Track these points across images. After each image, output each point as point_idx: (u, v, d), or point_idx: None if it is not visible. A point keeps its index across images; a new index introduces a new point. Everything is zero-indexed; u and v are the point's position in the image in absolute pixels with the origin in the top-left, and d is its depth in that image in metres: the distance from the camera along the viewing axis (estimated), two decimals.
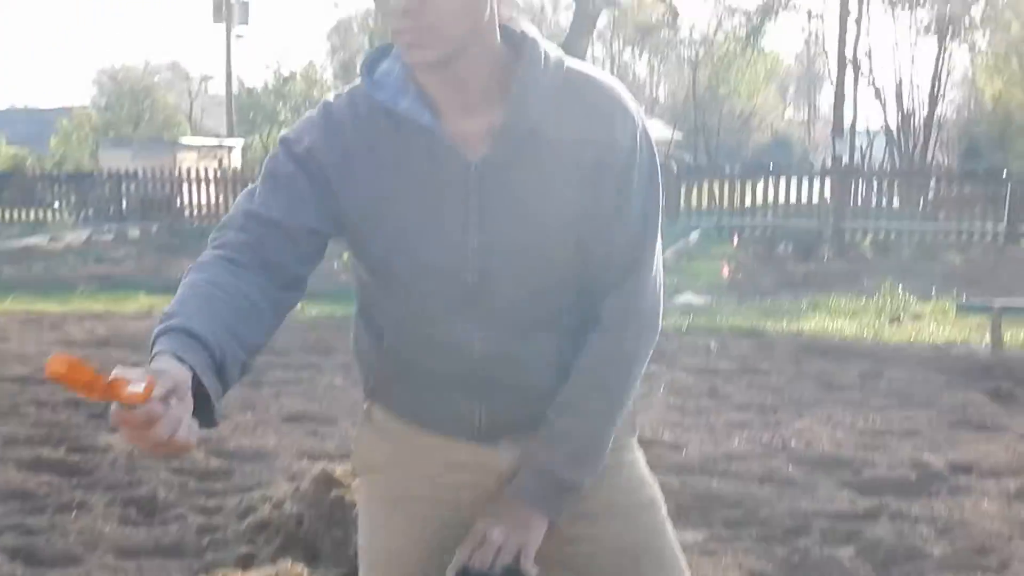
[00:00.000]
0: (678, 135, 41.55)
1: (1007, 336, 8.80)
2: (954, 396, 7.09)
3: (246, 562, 4.22)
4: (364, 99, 1.82)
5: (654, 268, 1.89)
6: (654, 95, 58.88)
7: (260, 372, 7.84)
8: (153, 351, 1.49)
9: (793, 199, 20.22)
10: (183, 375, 1.43)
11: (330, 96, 1.89)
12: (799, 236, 17.74)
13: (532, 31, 1.81)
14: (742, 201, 20.43)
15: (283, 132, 1.89)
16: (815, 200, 20.15)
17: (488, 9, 1.73)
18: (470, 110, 1.78)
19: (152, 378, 1.35)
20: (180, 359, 1.47)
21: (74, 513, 4.77)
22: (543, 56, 1.78)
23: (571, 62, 1.83)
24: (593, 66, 1.89)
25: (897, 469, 5.43)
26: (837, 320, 10.36)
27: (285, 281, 1.78)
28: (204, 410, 1.49)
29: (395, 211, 1.82)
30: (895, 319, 10.43)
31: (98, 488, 5.12)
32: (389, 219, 1.82)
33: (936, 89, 41.24)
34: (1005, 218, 18.99)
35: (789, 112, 64.75)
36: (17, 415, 6.51)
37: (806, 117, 63.77)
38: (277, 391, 7.31)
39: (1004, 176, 20.27)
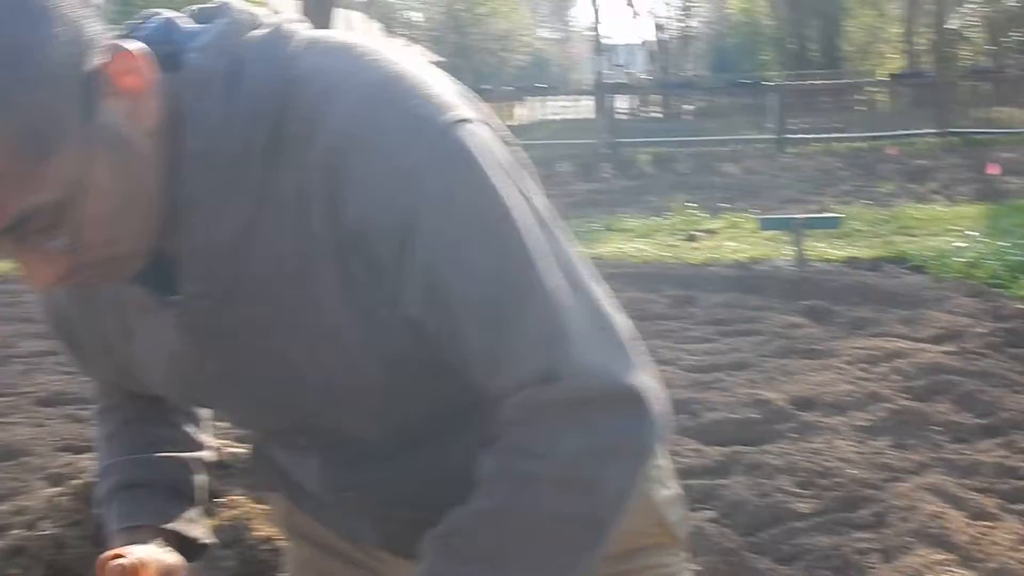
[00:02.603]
0: (438, 59, 40.88)
1: (808, 250, 8.54)
2: (773, 319, 6.73)
3: None
4: None
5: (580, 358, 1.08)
6: (407, 19, 57.93)
7: (8, 345, 6.86)
8: (112, 521, 1.35)
9: (565, 117, 19.99)
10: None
11: None
12: (576, 155, 17.41)
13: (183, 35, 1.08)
14: (514, 121, 20.06)
15: None
16: (585, 118, 19.98)
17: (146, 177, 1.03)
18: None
19: None
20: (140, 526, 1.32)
21: None
22: (217, 99, 1.04)
23: (310, 61, 1.07)
24: (357, 52, 1.08)
25: (738, 410, 4.95)
26: (634, 242, 9.93)
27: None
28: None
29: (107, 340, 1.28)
30: (692, 238, 10.09)
31: None
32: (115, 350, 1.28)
33: (687, 3, 42.12)
34: (776, 127, 19.22)
35: (542, 31, 65.08)
36: None
37: (560, 36, 64.29)
38: (29, 367, 6.33)
39: (769, 86, 20.61)
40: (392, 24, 41.84)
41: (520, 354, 1.06)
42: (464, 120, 1.05)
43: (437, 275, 1.03)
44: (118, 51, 0.97)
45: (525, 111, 20.38)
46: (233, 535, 3.41)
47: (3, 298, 8.53)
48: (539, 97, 20.13)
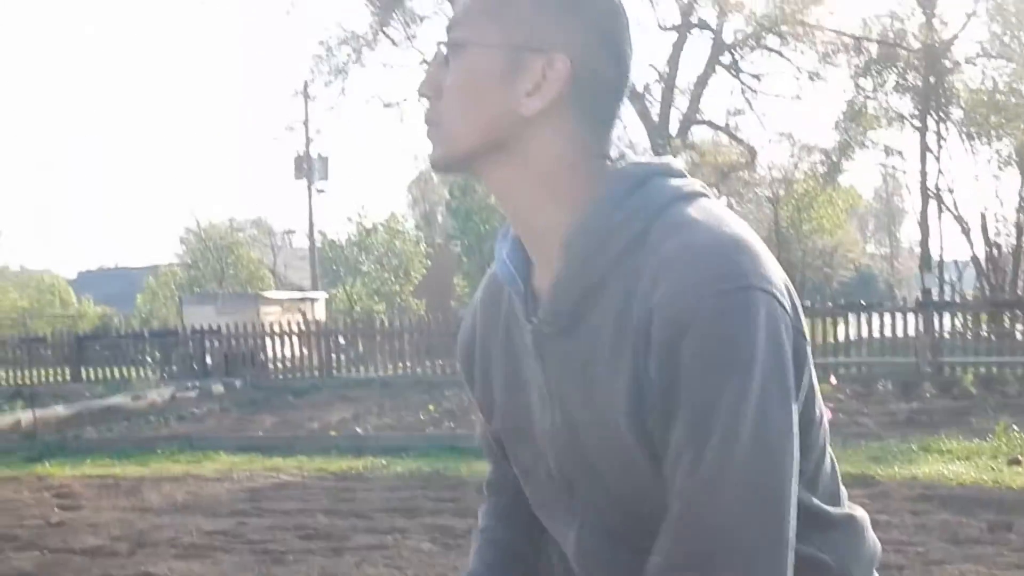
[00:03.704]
0: None
1: None
2: None
3: None
4: None
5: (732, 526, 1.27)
6: None
7: (341, 538, 7.42)
8: None
9: (887, 335, 19.62)
10: None
11: None
12: (897, 373, 17.09)
13: (634, 160, 1.45)
14: (835, 338, 19.86)
15: None
16: (908, 335, 19.53)
17: (503, 108, 1.40)
18: (543, 255, 1.46)
19: None
20: None
21: None
22: (625, 191, 1.40)
23: (694, 206, 1.40)
24: (727, 216, 1.40)
25: None
26: (952, 464, 9.69)
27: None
28: None
29: (499, 388, 1.61)
30: (1014, 461, 9.74)
31: None
32: (498, 400, 1.62)
33: (1021, 219, 40.67)
34: None
35: (870, 247, 64.28)
36: None
37: (887, 251, 63.26)
38: (359, 559, 6.84)
39: None
40: None
41: (688, 487, 1.29)
42: (767, 292, 1.31)
43: (675, 374, 1.30)
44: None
45: (847, 327, 20.20)
46: None
47: (343, 494, 9.21)
48: (862, 313, 19.91)
